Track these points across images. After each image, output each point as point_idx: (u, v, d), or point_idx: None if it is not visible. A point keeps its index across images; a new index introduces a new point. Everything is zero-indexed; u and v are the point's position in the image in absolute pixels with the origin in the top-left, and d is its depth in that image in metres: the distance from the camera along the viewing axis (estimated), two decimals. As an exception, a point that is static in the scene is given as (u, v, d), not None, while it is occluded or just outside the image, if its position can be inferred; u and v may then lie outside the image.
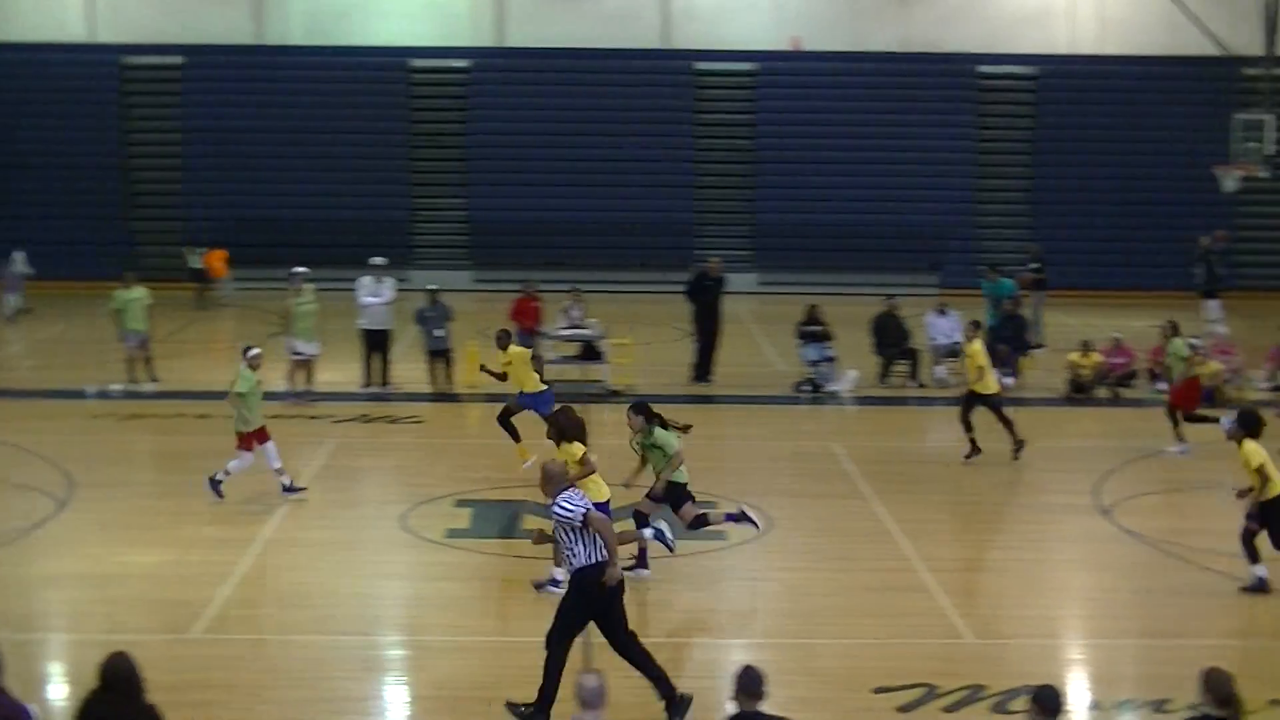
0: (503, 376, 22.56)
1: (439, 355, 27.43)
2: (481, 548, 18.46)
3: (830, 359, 28.49)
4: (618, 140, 43.95)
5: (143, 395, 27.02)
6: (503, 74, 44.58)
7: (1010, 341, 29.31)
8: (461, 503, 20.41)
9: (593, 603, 13.08)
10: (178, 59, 43.70)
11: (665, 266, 40.24)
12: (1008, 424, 22.86)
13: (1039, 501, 21.07)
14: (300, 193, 43.25)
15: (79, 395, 27.19)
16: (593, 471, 15.88)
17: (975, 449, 22.69)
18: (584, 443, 16.42)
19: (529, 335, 27.98)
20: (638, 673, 13.24)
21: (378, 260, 28.65)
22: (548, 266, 39.75)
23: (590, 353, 28.79)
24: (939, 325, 29.35)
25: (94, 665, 9.97)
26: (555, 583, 16.22)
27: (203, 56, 43.63)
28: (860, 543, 18.87)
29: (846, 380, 28.27)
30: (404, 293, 30.23)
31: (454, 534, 19.08)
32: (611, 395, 27.42)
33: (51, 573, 17.52)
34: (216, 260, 40.26)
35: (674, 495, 17.25)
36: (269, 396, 26.68)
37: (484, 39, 44.85)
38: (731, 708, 10.29)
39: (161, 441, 24.50)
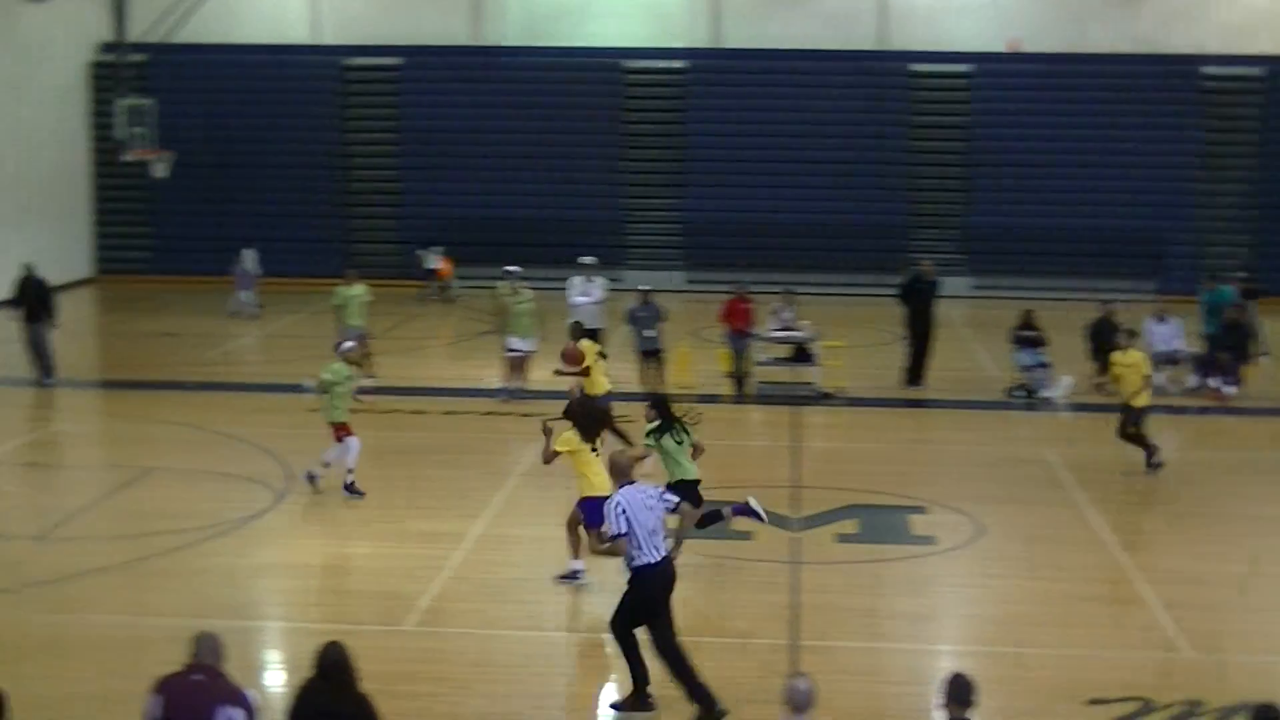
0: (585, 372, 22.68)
1: (650, 355, 27.46)
2: (691, 548, 18.42)
3: (1045, 365, 28.04)
4: (832, 141, 43.70)
5: (366, 392, 27.42)
6: (718, 75, 44.57)
7: (1233, 350, 28.61)
8: (669, 502, 20.40)
9: (648, 599, 13.35)
10: (396, 60, 44.41)
11: (878, 269, 39.98)
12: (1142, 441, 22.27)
13: (1260, 513, 20.48)
14: (513, 192, 43.67)
15: (299, 389, 27.72)
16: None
17: (1156, 461, 22.12)
18: (592, 437, 16.50)
19: (740, 337, 27.93)
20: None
21: (588, 260, 28.81)
22: (760, 268, 39.68)
23: (801, 355, 28.67)
24: (1158, 332, 28.71)
25: (310, 653, 10.16)
26: (576, 575, 16.88)
27: (420, 57, 44.26)
28: (1073, 551, 18.52)
29: (1061, 386, 27.80)
30: (616, 293, 30.37)
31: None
32: (822, 398, 27.29)
33: (269, 562, 17.91)
34: (445, 262, 40.95)
35: (683, 493, 16.97)
36: (483, 393, 27.15)
37: (700, 39, 44.90)
38: (940, 716, 10.16)
39: (376, 436, 24.80)
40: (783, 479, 16.98)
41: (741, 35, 44.69)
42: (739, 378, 27.89)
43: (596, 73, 44.35)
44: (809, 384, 27.94)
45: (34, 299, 28.75)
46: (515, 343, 27.00)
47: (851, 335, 31.75)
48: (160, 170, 40.02)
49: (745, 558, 17.15)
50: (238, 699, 9.74)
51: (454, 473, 21.67)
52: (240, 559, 17.92)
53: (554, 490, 21.24)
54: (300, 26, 44.80)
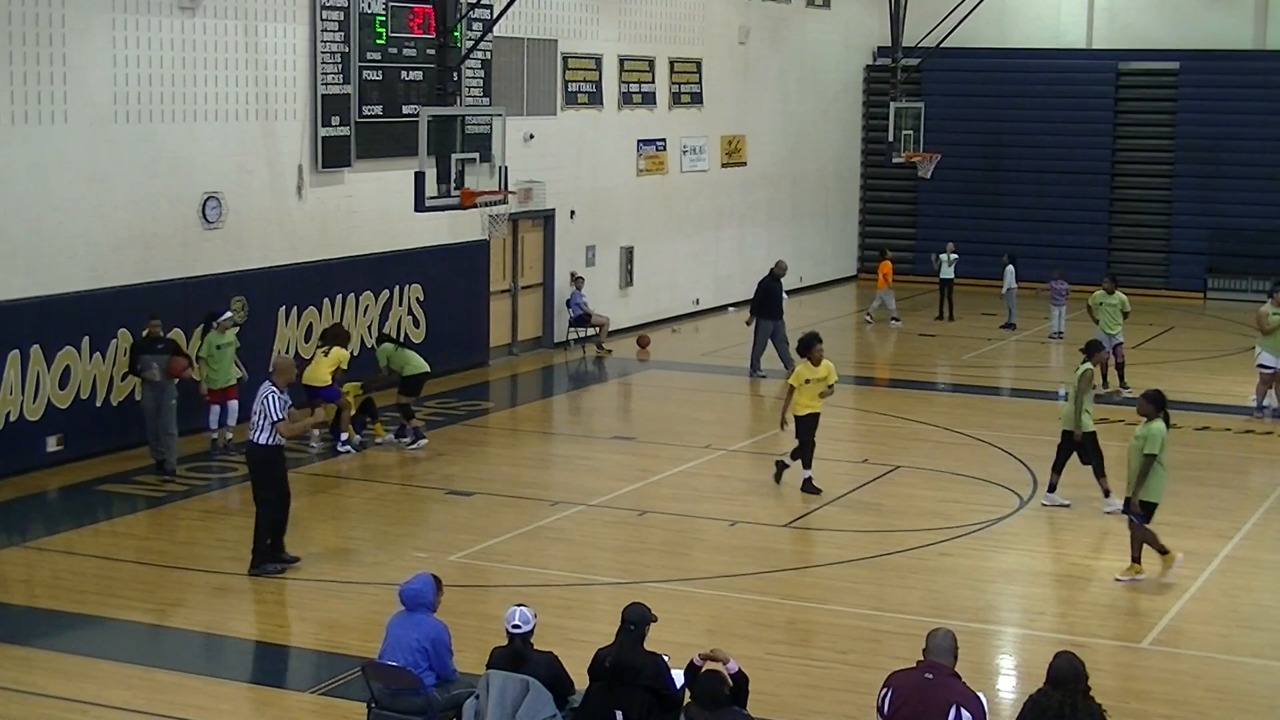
0: None
1: None
2: None
3: None
4: None
5: (1112, 401, 27.02)
6: None
7: None
8: None
9: (250, 468, 17.34)
10: (1173, 65, 43.23)
11: None
12: None
13: None
14: (1284, 203, 41.71)
15: (1048, 396, 27.55)
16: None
17: None
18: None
19: None
20: None
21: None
22: None
23: None
24: None
25: (1042, 662, 10.09)
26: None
27: (1198, 62, 42.89)
28: None
29: None
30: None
31: None
32: None
33: (1007, 568, 17.97)
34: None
35: None
36: (1237, 410, 26.12)
37: None
38: None
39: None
40: None
41: None
42: None
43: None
44: None
45: (760, 297, 29.84)
46: (1267, 359, 25.92)
47: None
48: (926, 172, 40.73)
49: None
50: (969, 701, 9.71)
51: (1202, 490, 21.04)
52: (980, 561, 18.05)
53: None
54: (1074, 30, 44.33)
